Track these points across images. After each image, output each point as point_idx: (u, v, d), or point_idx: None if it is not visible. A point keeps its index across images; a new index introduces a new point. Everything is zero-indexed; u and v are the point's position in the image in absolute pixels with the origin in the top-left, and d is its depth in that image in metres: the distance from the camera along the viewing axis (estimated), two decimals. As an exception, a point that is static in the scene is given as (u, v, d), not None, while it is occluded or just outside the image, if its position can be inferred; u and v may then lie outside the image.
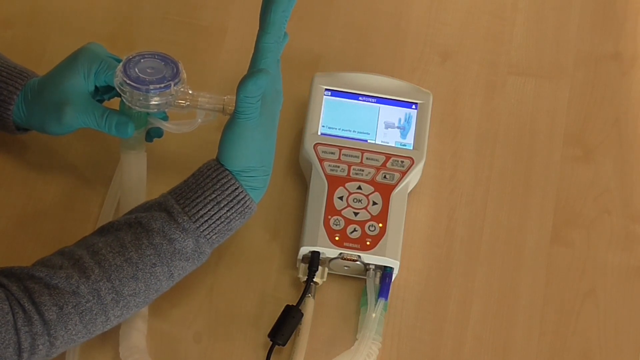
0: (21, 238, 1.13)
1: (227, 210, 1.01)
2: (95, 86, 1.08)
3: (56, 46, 1.22)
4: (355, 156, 1.13)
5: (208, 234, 1.00)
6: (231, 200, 1.01)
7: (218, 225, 1.01)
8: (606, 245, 1.16)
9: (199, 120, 1.06)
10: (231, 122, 1.01)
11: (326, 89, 1.17)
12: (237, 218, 1.02)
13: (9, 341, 0.93)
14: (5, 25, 1.25)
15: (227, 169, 1.01)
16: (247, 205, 1.02)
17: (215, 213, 1.00)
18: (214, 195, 1.00)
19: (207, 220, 1.00)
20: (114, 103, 1.09)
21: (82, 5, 1.27)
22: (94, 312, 0.97)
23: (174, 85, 1.04)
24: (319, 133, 1.15)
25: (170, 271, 1.00)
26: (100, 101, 1.10)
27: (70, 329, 0.96)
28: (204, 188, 1.01)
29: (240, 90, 0.98)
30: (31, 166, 1.17)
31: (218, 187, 1.01)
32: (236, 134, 1.00)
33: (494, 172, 1.20)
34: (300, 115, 1.19)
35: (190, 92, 1.05)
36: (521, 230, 1.17)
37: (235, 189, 1.01)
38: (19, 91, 1.08)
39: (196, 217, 1.00)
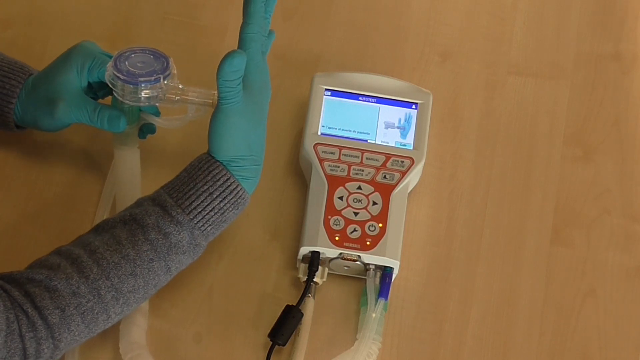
0: (22, 238, 1.13)
1: (220, 201, 1.01)
2: (89, 83, 1.09)
3: (56, 46, 1.22)
4: (355, 156, 1.13)
5: (202, 225, 1.00)
6: (223, 191, 1.01)
7: (212, 217, 1.01)
8: (606, 245, 1.16)
9: (190, 115, 1.07)
10: (216, 110, 1.01)
11: (326, 89, 1.17)
12: (230, 209, 1.02)
13: (15, 349, 0.93)
14: (5, 25, 1.25)
15: (217, 160, 1.01)
16: (240, 196, 1.02)
17: (208, 204, 1.00)
18: (206, 187, 1.01)
19: (200, 212, 1.00)
20: (108, 102, 1.09)
21: (82, 5, 1.27)
22: (95, 311, 0.97)
23: (164, 79, 1.05)
24: (319, 133, 1.15)
25: (168, 265, 1.00)
26: (94, 99, 1.10)
27: (73, 330, 0.96)
28: (195, 180, 1.01)
29: (218, 75, 0.99)
30: (31, 166, 1.17)
31: (209, 178, 1.01)
32: (221, 121, 1.00)
33: (494, 172, 1.20)
34: (300, 115, 1.19)
35: (180, 86, 1.06)
36: (521, 230, 1.17)
37: (227, 179, 1.01)
38: (22, 85, 1.09)
39: (189, 209, 1.00)
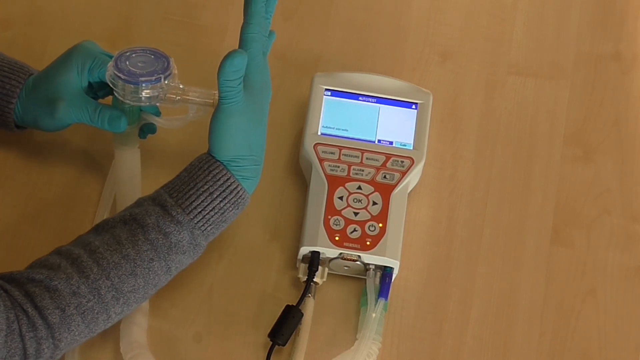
0: (22, 238, 1.13)
1: (220, 201, 1.01)
2: (90, 83, 1.09)
3: (56, 46, 1.22)
4: (355, 156, 1.13)
5: (202, 225, 1.00)
6: (224, 191, 1.01)
7: (212, 217, 1.01)
8: (606, 245, 1.16)
9: (190, 115, 1.07)
10: (216, 110, 1.01)
11: (326, 89, 1.17)
12: (230, 209, 1.02)
13: (15, 349, 0.93)
14: (5, 25, 1.25)
15: (217, 160, 1.02)
16: (240, 196, 1.02)
17: (208, 204, 1.01)
18: (206, 187, 1.01)
19: (200, 212, 1.00)
20: (109, 102, 1.09)
21: (82, 5, 1.27)
22: (96, 311, 0.97)
23: (165, 79, 1.05)
24: (319, 133, 1.15)
25: (168, 265, 1.00)
26: (94, 99, 1.10)
27: (73, 329, 0.96)
28: (196, 180, 1.01)
29: (219, 74, 0.99)
30: (31, 166, 1.17)
31: (210, 178, 1.01)
32: (221, 120, 1.01)
33: (494, 172, 1.20)
34: (300, 115, 1.19)
35: (181, 86, 1.06)
36: (521, 230, 1.17)
37: (227, 179, 1.01)
38: (22, 85, 1.09)
39: (190, 209, 1.00)
